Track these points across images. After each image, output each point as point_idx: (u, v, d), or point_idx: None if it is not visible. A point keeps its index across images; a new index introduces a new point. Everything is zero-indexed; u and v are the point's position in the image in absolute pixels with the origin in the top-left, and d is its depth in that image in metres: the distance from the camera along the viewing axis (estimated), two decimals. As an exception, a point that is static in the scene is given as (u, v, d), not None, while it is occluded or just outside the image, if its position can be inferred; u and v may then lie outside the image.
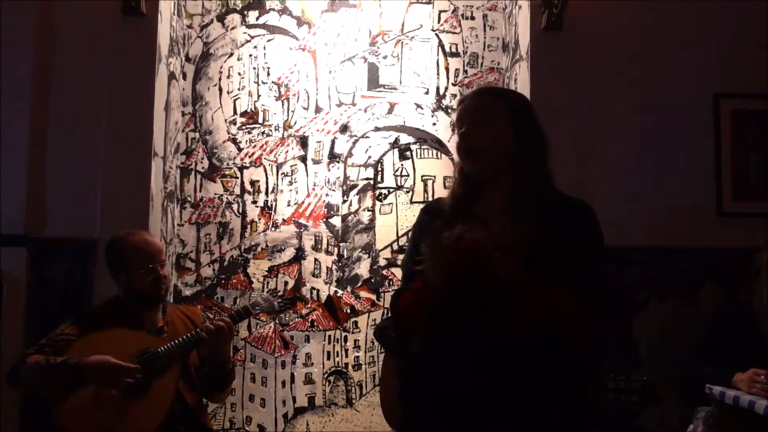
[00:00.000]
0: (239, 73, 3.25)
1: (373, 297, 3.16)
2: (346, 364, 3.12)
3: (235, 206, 3.18)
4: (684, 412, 2.46)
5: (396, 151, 3.26)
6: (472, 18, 3.32)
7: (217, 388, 2.34)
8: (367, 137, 3.26)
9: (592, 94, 2.87)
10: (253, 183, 3.19)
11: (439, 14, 3.32)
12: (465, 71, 3.30)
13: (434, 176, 3.24)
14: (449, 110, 3.27)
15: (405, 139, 3.26)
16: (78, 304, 2.56)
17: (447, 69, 3.30)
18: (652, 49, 2.92)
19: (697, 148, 2.90)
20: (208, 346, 2.23)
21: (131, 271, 2.26)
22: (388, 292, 3.17)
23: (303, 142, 3.23)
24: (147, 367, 2.13)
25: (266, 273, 3.14)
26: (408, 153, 3.26)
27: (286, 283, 3.14)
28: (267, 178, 3.20)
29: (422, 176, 3.25)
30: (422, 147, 3.26)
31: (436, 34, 3.32)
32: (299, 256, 3.15)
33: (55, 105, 2.76)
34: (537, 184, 1.44)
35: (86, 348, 2.13)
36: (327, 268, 3.17)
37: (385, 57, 3.29)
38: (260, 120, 3.23)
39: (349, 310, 3.14)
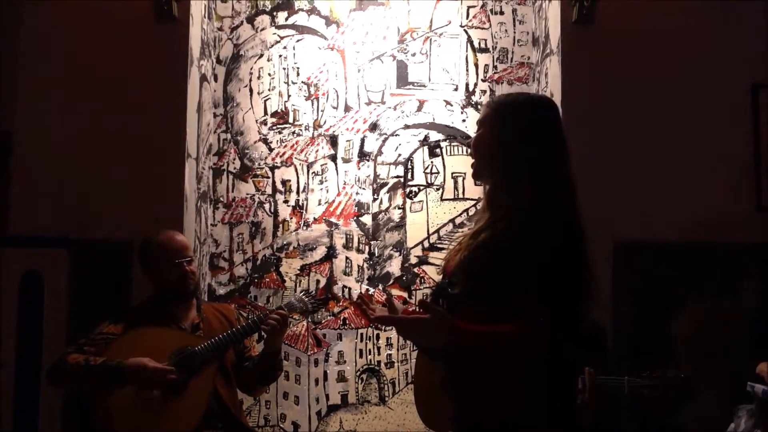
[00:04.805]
0: (269, 74, 3.27)
1: (405, 295, 3.16)
2: (379, 362, 3.13)
3: (266, 206, 3.21)
4: (724, 410, 2.41)
5: (426, 148, 3.25)
6: (501, 13, 3.29)
7: (265, 378, 2.39)
8: (396, 135, 3.26)
9: (624, 87, 2.82)
10: (284, 182, 3.22)
11: (468, 10, 3.30)
12: (495, 67, 3.27)
13: (464, 173, 3.23)
14: (479, 106, 3.25)
15: (435, 136, 3.25)
16: (117, 304, 2.61)
17: (476, 65, 3.28)
18: (687, 40, 2.86)
19: (734, 140, 2.83)
20: (269, 336, 2.27)
21: (158, 269, 2.33)
22: (420, 289, 3.17)
23: (333, 141, 3.24)
24: (185, 366, 2.16)
25: (298, 271, 3.17)
26: (438, 150, 3.25)
27: (317, 281, 3.17)
28: (298, 177, 3.23)
29: (452, 173, 3.24)
30: (452, 144, 3.25)
31: (465, 30, 3.30)
32: (330, 254, 3.17)
33: (90, 109, 2.81)
34: (502, 190, 1.48)
35: (125, 347, 2.17)
36: (358, 266, 3.18)
37: (413, 54, 3.29)
38: (290, 120, 3.26)
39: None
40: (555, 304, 1.34)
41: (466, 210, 3.22)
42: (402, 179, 3.23)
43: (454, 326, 1.34)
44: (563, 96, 2.75)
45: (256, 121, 3.25)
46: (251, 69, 3.27)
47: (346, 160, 3.23)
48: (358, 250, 3.19)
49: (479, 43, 3.29)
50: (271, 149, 3.24)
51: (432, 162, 3.24)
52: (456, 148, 3.25)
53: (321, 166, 3.23)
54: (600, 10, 2.79)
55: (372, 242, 3.19)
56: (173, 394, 2.15)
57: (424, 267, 3.19)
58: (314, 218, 3.20)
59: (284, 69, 3.28)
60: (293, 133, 3.25)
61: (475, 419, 1.43)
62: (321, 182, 3.22)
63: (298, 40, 3.30)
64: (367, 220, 3.20)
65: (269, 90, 3.27)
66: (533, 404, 1.38)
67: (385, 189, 3.23)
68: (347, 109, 3.26)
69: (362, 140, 3.24)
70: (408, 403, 3.06)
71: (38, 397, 2.63)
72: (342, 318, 3.14)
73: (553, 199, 1.43)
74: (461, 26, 3.30)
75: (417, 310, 1.50)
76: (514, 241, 1.38)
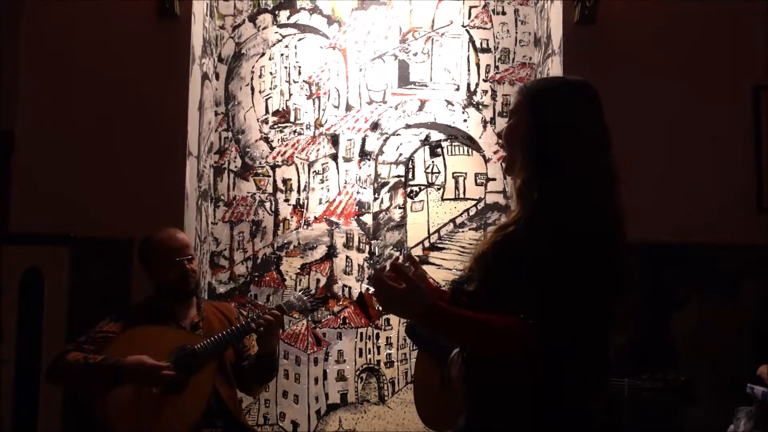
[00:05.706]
0: (271, 73, 3.27)
1: (405, 294, 3.16)
2: (378, 362, 3.13)
3: (267, 204, 3.21)
4: (724, 412, 2.41)
5: (427, 148, 3.25)
6: (503, 13, 3.29)
7: (261, 379, 2.39)
8: (397, 135, 3.26)
9: (626, 87, 2.81)
10: (285, 181, 3.22)
11: (470, 10, 3.30)
12: (496, 67, 3.27)
13: (465, 173, 3.23)
14: (480, 106, 3.25)
15: (436, 136, 3.25)
16: (117, 303, 2.61)
17: (478, 65, 3.28)
18: (688, 41, 2.85)
19: (736, 141, 2.83)
20: (262, 337, 2.28)
21: (159, 267, 2.32)
22: (420, 289, 3.16)
23: (334, 140, 3.24)
24: (184, 364, 2.16)
25: (299, 270, 3.17)
26: (439, 150, 3.25)
27: (318, 280, 3.17)
28: (299, 176, 3.23)
29: (453, 173, 3.23)
30: (453, 144, 3.25)
31: (467, 30, 3.30)
32: (331, 253, 3.17)
33: (91, 107, 2.82)
34: (533, 184, 1.34)
35: (125, 345, 2.17)
36: (358, 265, 3.18)
37: (415, 54, 3.28)
38: (292, 119, 3.26)
39: (380, 308, 3.14)
40: (559, 309, 1.24)
41: (467, 210, 3.22)
42: (403, 179, 3.23)
43: (428, 301, 1.27)
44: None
45: (258, 119, 3.25)
46: (253, 67, 3.27)
47: (347, 160, 3.23)
48: (359, 250, 3.19)
49: (481, 43, 3.28)
50: (272, 148, 3.24)
51: (433, 162, 3.24)
52: (457, 148, 3.25)
53: (322, 165, 3.23)
54: (602, 10, 2.78)
55: (372, 241, 3.19)
56: (173, 393, 2.14)
57: (425, 267, 3.18)
58: (315, 217, 3.20)
59: (286, 68, 3.28)
60: (294, 132, 3.25)
61: (482, 421, 1.37)
62: (322, 181, 3.22)
63: (299, 39, 3.29)
64: (367, 219, 3.20)
65: (271, 89, 3.27)
66: (539, 407, 1.30)
67: (386, 188, 3.23)
68: (348, 108, 3.26)
69: (363, 139, 3.24)
70: (407, 403, 3.06)
71: (38, 395, 2.63)
72: (342, 317, 3.14)
73: (585, 194, 1.31)
74: (463, 26, 3.30)
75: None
76: (533, 239, 1.28)
